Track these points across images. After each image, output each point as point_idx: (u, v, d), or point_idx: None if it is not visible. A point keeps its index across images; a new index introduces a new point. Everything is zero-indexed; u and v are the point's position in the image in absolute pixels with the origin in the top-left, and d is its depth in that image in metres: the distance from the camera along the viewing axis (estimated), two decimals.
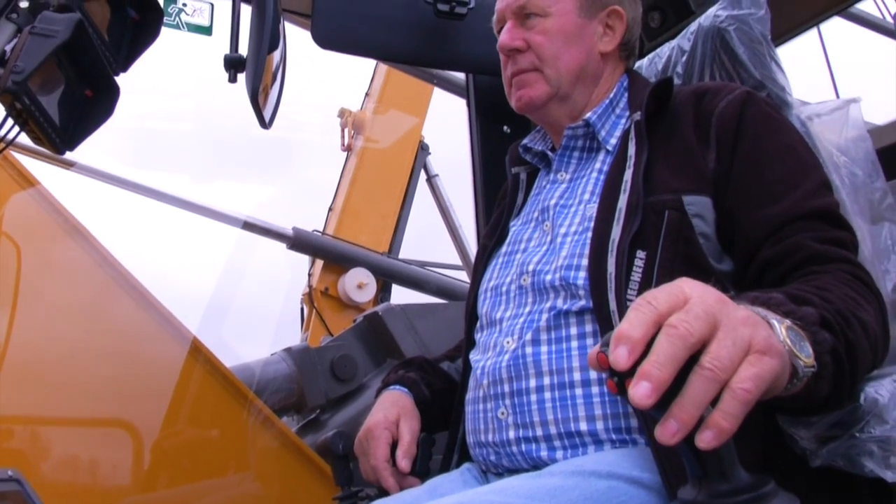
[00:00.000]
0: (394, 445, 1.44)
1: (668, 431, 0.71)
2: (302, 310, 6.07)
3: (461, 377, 1.47)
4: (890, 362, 1.10)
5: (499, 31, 1.50)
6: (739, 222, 1.22)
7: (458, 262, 6.44)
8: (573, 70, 1.43)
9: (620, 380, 0.74)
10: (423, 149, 6.91)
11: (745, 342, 0.75)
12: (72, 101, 1.51)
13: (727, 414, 0.71)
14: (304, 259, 6.07)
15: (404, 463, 1.40)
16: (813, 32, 3.21)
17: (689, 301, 0.76)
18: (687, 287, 0.79)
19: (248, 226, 5.51)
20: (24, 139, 1.50)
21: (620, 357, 0.72)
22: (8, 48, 1.41)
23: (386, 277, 5.95)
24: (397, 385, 1.55)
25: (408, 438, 1.43)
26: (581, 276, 1.24)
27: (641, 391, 0.70)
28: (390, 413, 1.46)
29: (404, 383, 1.54)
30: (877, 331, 1.04)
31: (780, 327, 0.83)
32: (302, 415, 3.28)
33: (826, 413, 1.00)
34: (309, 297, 5.95)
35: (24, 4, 1.45)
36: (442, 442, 1.50)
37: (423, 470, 1.45)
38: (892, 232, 1.41)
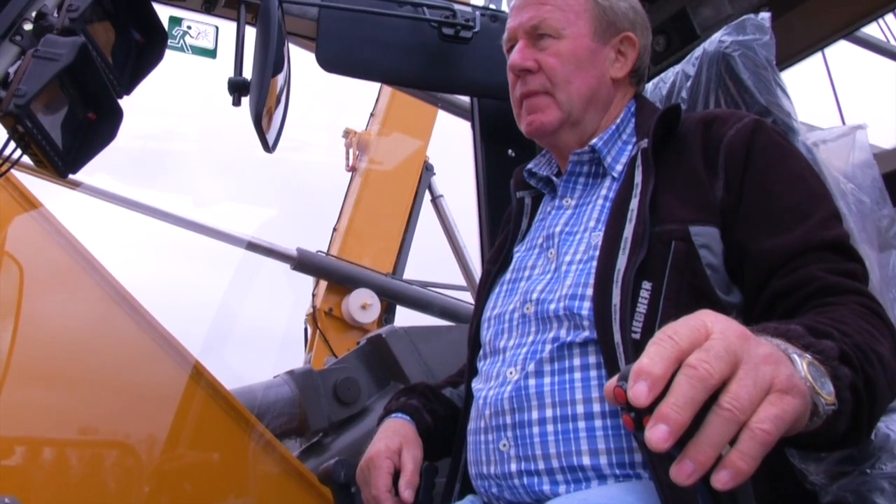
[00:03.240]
0: (396, 474, 1.41)
1: (685, 472, 0.70)
2: (305, 330, 6.05)
3: (463, 405, 1.45)
4: None
5: (508, 51, 1.48)
6: (749, 253, 1.20)
7: (463, 282, 6.42)
8: (584, 95, 1.41)
9: (638, 416, 0.72)
10: (427, 169, 6.92)
11: (766, 381, 0.73)
12: (75, 124, 1.51)
13: (745, 455, 0.70)
14: (308, 280, 6.06)
15: (407, 493, 1.38)
16: (818, 57, 3.21)
17: (711, 337, 0.74)
18: (709, 321, 0.77)
19: (252, 246, 5.51)
20: (27, 159, 1.50)
21: (640, 394, 0.71)
22: (11, 71, 1.41)
23: (390, 298, 5.93)
24: (399, 413, 1.53)
25: (410, 468, 1.41)
26: (586, 307, 1.22)
27: (659, 434, 0.68)
28: (392, 442, 1.44)
29: (406, 411, 1.52)
30: (892, 364, 1.02)
31: (802, 363, 0.81)
32: (305, 438, 3.26)
33: (843, 449, 0.98)
34: (313, 318, 5.93)
35: (27, 27, 1.45)
36: (444, 470, 1.47)
37: (425, 499, 1.43)
38: None
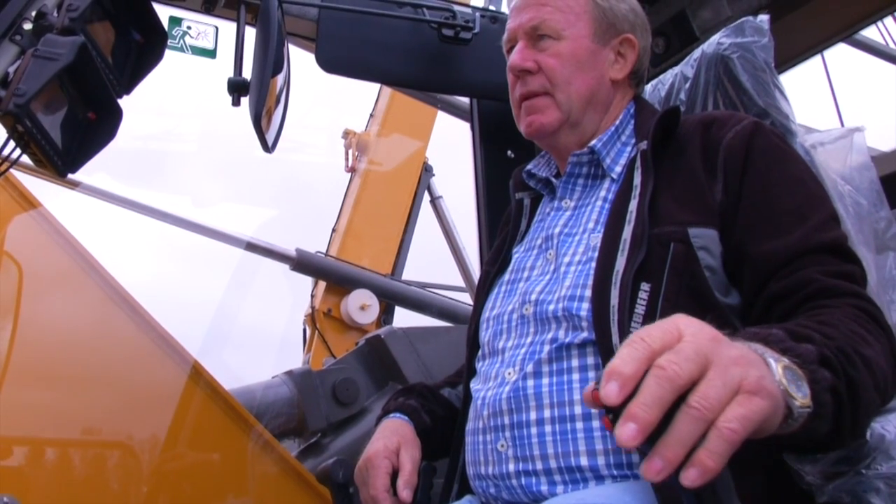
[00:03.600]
0: (395, 474, 1.42)
1: (654, 469, 0.72)
2: (304, 331, 6.06)
3: (462, 406, 1.45)
4: None
5: (508, 51, 1.48)
6: (747, 255, 1.20)
7: (462, 284, 6.43)
8: (584, 96, 1.41)
9: (615, 416, 0.74)
10: (426, 170, 6.92)
11: (735, 382, 0.75)
12: (74, 124, 1.51)
13: (712, 453, 0.71)
14: (307, 280, 6.06)
15: (405, 493, 1.38)
16: (817, 59, 3.21)
17: (682, 339, 0.76)
18: (682, 324, 0.78)
19: (252, 247, 5.52)
20: (27, 159, 1.50)
21: (611, 393, 0.72)
22: (11, 70, 1.41)
23: (389, 299, 5.93)
24: (398, 413, 1.53)
25: (409, 468, 1.41)
26: (584, 308, 1.23)
27: (627, 432, 0.70)
28: (390, 442, 1.44)
29: (405, 411, 1.52)
30: (883, 366, 1.02)
31: (777, 366, 0.82)
32: (303, 438, 3.26)
33: (829, 451, 0.98)
34: (311, 319, 5.93)
35: (27, 27, 1.46)
36: (442, 470, 1.48)
37: (424, 499, 1.43)
38: None
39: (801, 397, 0.83)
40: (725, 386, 0.74)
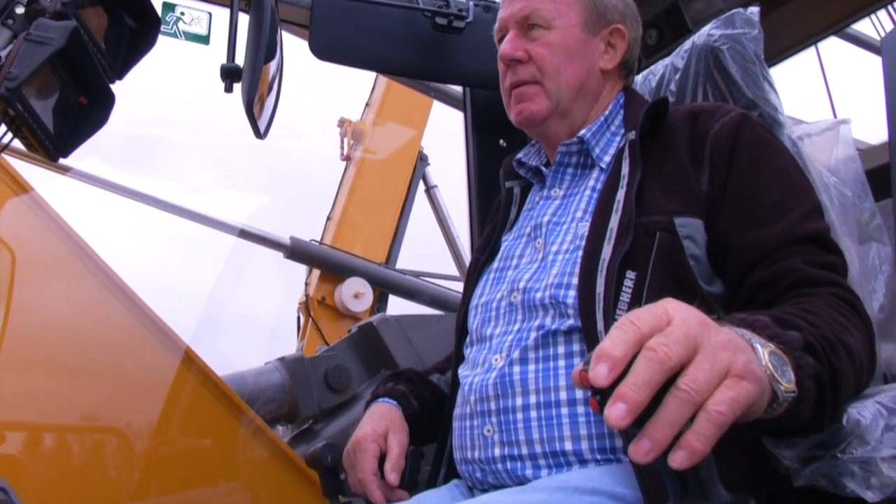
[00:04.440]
0: (382, 458, 1.43)
1: (642, 450, 0.72)
2: (298, 319, 6.07)
3: (450, 392, 1.46)
4: (873, 383, 1.10)
5: (499, 41, 1.49)
6: (731, 244, 1.22)
7: (456, 273, 6.44)
8: (573, 85, 1.42)
9: (603, 398, 0.74)
10: (422, 159, 6.93)
11: (723, 366, 0.76)
12: (66, 108, 1.51)
13: (700, 435, 0.72)
14: (301, 268, 6.07)
15: (392, 476, 1.40)
16: (811, 51, 3.22)
17: (672, 323, 0.77)
18: (671, 308, 0.79)
19: (245, 234, 5.52)
20: (18, 144, 1.50)
21: (600, 374, 0.73)
22: (3, 54, 1.41)
23: (382, 287, 5.95)
24: (386, 398, 1.54)
25: (396, 451, 1.42)
26: (571, 295, 1.24)
27: (617, 412, 0.71)
28: (379, 426, 1.46)
29: (393, 396, 1.54)
30: (862, 356, 1.04)
31: (764, 351, 0.84)
32: (295, 424, 3.27)
33: (807, 435, 1.00)
34: (305, 306, 5.94)
35: (19, 10, 1.46)
36: (430, 455, 1.49)
37: (411, 483, 1.44)
38: (880, 252, 1.41)
39: (787, 382, 0.85)
40: (714, 369, 0.75)
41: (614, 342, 0.74)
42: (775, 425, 0.89)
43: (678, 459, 0.72)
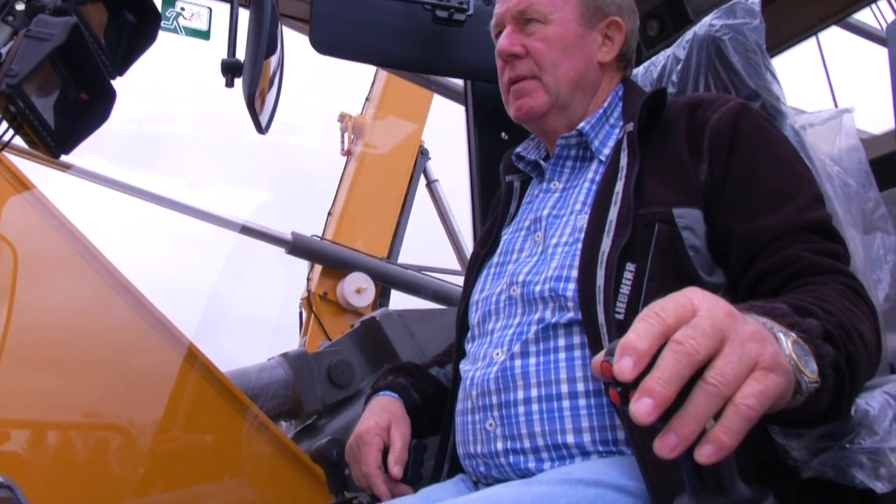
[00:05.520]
0: (386, 451, 1.43)
1: (668, 445, 0.70)
2: (300, 314, 6.07)
3: (451, 387, 1.46)
4: (880, 373, 1.10)
5: (497, 36, 1.49)
6: (733, 234, 1.21)
7: (458, 267, 6.44)
8: (572, 79, 1.42)
9: (624, 391, 0.72)
10: (423, 153, 6.92)
11: (751, 358, 0.74)
12: (67, 105, 1.50)
13: (728, 429, 0.70)
14: (303, 264, 6.07)
15: (396, 469, 1.40)
16: (812, 41, 3.21)
17: (698, 314, 0.74)
18: (696, 298, 0.77)
19: (247, 230, 5.52)
20: (19, 141, 1.50)
21: (625, 368, 0.71)
22: (3, 51, 1.40)
23: (385, 282, 5.94)
24: (387, 391, 1.54)
25: (399, 444, 1.42)
26: (570, 288, 1.24)
27: (643, 407, 0.69)
28: (381, 419, 1.45)
29: (394, 389, 1.54)
30: (872, 342, 1.04)
31: (787, 341, 0.82)
32: (298, 420, 3.27)
33: (823, 425, 0.99)
34: (307, 302, 5.94)
35: (20, 7, 1.45)
36: (433, 450, 1.49)
37: (415, 477, 1.44)
38: (884, 242, 1.41)
39: (810, 372, 0.83)
40: (742, 362, 0.73)
41: (639, 334, 0.72)
42: (793, 415, 0.87)
43: (705, 454, 0.70)
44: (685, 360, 0.71)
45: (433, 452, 1.50)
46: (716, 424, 0.71)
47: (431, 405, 1.54)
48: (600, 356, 0.75)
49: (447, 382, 1.56)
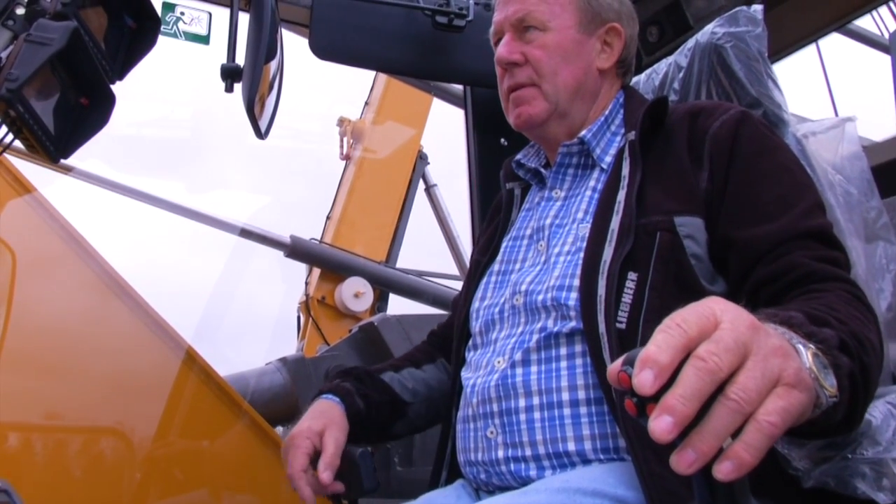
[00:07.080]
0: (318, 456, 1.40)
1: (686, 461, 0.68)
2: (298, 318, 6.06)
3: (451, 394, 1.45)
4: (882, 383, 1.09)
5: (496, 44, 1.49)
6: (733, 242, 1.21)
7: (456, 272, 6.44)
8: (571, 86, 1.42)
9: (641, 403, 0.70)
10: (421, 158, 6.93)
11: (774, 374, 0.72)
12: (67, 109, 1.50)
13: (749, 446, 0.68)
14: (302, 267, 6.06)
15: (325, 475, 1.36)
16: (812, 49, 3.21)
17: (720, 326, 0.72)
18: (718, 309, 0.74)
19: (246, 233, 5.52)
20: (20, 143, 1.50)
21: (645, 382, 0.68)
22: (3, 55, 1.40)
23: (383, 287, 5.95)
24: (330, 394, 1.50)
25: (331, 450, 1.39)
26: (572, 297, 1.23)
27: (663, 425, 0.67)
28: (315, 423, 1.43)
29: (338, 393, 1.50)
30: (880, 350, 1.03)
31: (807, 354, 0.80)
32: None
33: (836, 437, 0.98)
34: (306, 306, 5.94)
35: (20, 11, 1.45)
36: (431, 457, 1.48)
37: (371, 485, 1.41)
38: (887, 251, 1.40)
39: (830, 386, 0.81)
40: (765, 377, 0.71)
41: (660, 347, 0.70)
42: (806, 427, 0.84)
43: (724, 471, 0.68)
44: (708, 377, 0.69)
45: (431, 459, 1.49)
46: (737, 441, 0.69)
47: (377, 413, 1.51)
48: (617, 365, 0.73)
49: (400, 389, 1.55)
